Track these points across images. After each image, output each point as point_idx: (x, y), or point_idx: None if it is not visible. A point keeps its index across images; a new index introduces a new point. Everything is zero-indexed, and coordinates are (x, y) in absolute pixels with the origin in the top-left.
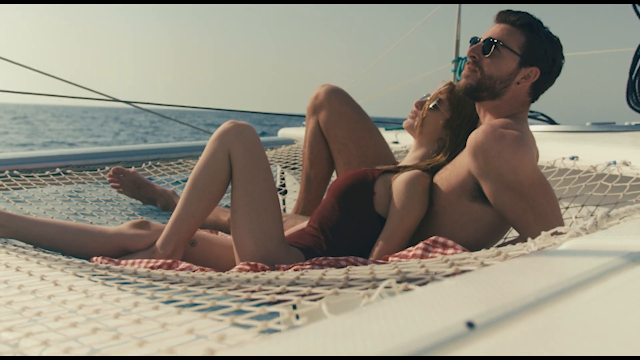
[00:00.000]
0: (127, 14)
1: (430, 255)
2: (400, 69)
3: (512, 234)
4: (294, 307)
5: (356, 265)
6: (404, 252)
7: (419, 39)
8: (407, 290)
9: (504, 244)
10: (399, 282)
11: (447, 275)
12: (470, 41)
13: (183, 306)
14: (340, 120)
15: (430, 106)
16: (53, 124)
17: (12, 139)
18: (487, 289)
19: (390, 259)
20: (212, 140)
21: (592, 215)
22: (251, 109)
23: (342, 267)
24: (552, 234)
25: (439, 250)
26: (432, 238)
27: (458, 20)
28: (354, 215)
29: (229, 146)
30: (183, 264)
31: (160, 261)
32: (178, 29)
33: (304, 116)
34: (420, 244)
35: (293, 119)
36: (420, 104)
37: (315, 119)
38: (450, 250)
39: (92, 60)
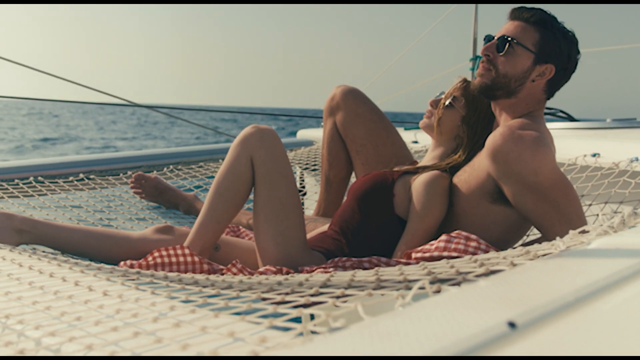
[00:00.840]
0: (136, 13)
1: (452, 246)
2: (418, 68)
3: (534, 231)
4: (312, 316)
5: (379, 265)
6: (427, 247)
7: (436, 37)
8: (440, 290)
9: (528, 243)
10: (431, 282)
11: (479, 275)
12: (484, 39)
13: (219, 309)
14: (357, 120)
15: (446, 104)
16: (66, 120)
17: (31, 135)
18: (523, 288)
19: (413, 255)
20: (234, 145)
21: (616, 212)
22: (265, 104)
23: (365, 268)
24: (580, 233)
25: (462, 242)
26: (456, 231)
27: (475, 18)
28: (375, 217)
29: (252, 151)
30: (206, 265)
31: (184, 251)
32: (187, 25)
33: (320, 113)
34: (443, 236)
35: (309, 114)
36: (435, 103)
37: (333, 120)
38: (473, 243)
39: (102, 59)
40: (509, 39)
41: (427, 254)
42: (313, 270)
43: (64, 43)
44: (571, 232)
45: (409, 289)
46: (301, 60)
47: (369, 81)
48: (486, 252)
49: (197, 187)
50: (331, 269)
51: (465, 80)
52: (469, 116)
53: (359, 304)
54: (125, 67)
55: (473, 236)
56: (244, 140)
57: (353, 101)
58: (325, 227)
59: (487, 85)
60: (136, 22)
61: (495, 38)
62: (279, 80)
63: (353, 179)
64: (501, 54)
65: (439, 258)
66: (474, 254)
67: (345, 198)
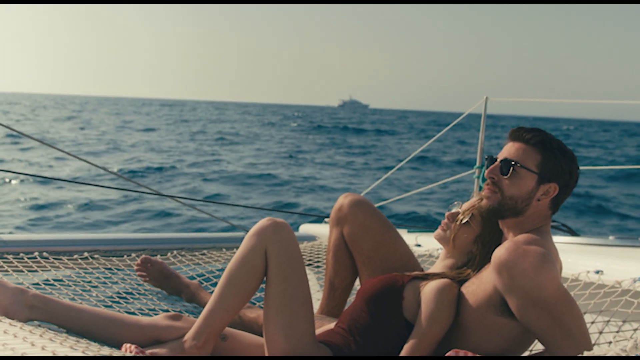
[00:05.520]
0: (146, 9)
1: None
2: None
3: (538, 345)
4: None
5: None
6: None
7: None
8: None
9: (530, 356)
10: None
11: None
12: (487, 159)
13: None
14: (366, 234)
15: (463, 221)
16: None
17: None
18: None
19: None
20: (249, 236)
21: (619, 332)
22: (276, 101)
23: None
24: (594, 355)
25: None
26: (452, 354)
27: (482, 128)
28: (383, 318)
29: (266, 243)
30: None
31: None
32: (198, 21)
33: (329, 109)
34: None
35: (317, 110)
36: (452, 217)
37: (339, 230)
38: None
39: (112, 54)
40: (513, 162)
41: None
42: None
43: (76, 39)
44: (586, 353)
45: None
46: (312, 57)
47: (375, 182)
48: None
49: (200, 275)
50: None
51: (482, 199)
52: (484, 235)
53: None
54: (136, 62)
55: (470, 354)
56: (259, 232)
57: (361, 213)
58: (331, 325)
59: (495, 207)
60: (147, 18)
61: (498, 160)
62: (290, 77)
63: (357, 285)
64: (506, 177)
65: None
66: None
67: (348, 303)
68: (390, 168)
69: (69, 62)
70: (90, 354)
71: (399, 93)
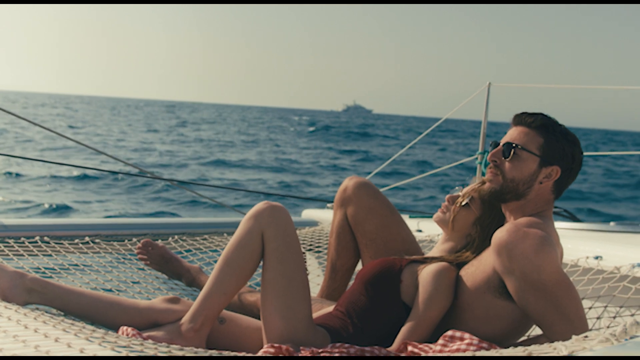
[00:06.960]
0: (157, 12)
1: (447, 349)
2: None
3: (536, 330)
4: None
5: (380, 356)
6: (426, 348)
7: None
8: None
9: (527, 340)
10: None
11: None
12: (490, 145)
13: None
14: (369, 215)
15: (462, 203)
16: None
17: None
18: None
19: (409, 348)
20: (246, 219)
21: (615, 317)
22: (283, 105)
23: (367, 357)
24: (583, 338)
25: (457, 343)
26: (449, 334)
27: (485, 114)
28: (381, 301)
29: (263, 226)
30: None
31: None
32: (208, 24)
33: (334, 114)
34: (441, 340)
35: (323, 115)
36: (452, 199)
37: (343, 211)
38: (466, 341)
39: (122, 56)
40: (514, 145)
41: (422, 353)
42: (319, 353)
43: (86, 41)
44: (574, 337)
45: None
46: (318, 62)
47: (378, 167)
48: (483, 349)
49: (200, 259)
50: (336, 353)
51: (483, 183)
52: (483, 217)
53: None
54: (145, 64)
55: (466, 335)
56: (256, 215)
57: (366, 195)
58: (330, 308)
59: (496, 190)
60: (157, 21)
61: (501, 144)
62: (295, 81)
63: (359, 267)
64: (507, 159)
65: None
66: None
67: (350, 284)
68: (389, 172)
69: (72, 61)
70: (83, 336)
71: (403, 99)
